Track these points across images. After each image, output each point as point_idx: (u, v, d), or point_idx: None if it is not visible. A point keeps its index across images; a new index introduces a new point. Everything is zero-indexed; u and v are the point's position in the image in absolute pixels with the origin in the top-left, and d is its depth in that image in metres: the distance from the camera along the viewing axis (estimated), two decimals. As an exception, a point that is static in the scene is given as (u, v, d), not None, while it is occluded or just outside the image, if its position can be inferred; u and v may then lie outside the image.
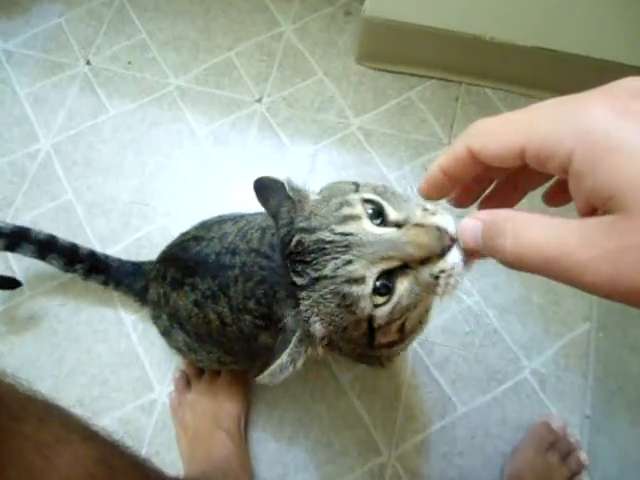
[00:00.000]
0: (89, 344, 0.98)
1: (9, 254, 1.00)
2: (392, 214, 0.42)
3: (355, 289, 0.40)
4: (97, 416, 0.93)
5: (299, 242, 0.44)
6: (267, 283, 0.59)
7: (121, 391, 0.95)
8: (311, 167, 1.10)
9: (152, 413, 0.94)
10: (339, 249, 0.41)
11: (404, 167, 1.10)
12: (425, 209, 0.42)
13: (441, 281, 0.40)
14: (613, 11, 0.91)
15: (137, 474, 0.51)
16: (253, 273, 0.61)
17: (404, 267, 0.40)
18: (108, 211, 1.07)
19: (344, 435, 0.92)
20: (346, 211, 0.42)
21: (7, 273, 0.98)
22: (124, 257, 0.95)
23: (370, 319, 0.42)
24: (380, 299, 0.41)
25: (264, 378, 0.44)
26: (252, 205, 0.57)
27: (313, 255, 0.42)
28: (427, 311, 0.55)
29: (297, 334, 0.45)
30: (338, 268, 0.40)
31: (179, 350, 0.85)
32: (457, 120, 1.13)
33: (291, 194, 0.48)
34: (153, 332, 0.93)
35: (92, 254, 0.92)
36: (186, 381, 0.94)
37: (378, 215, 0.42)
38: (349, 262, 0.40)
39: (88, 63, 1.20)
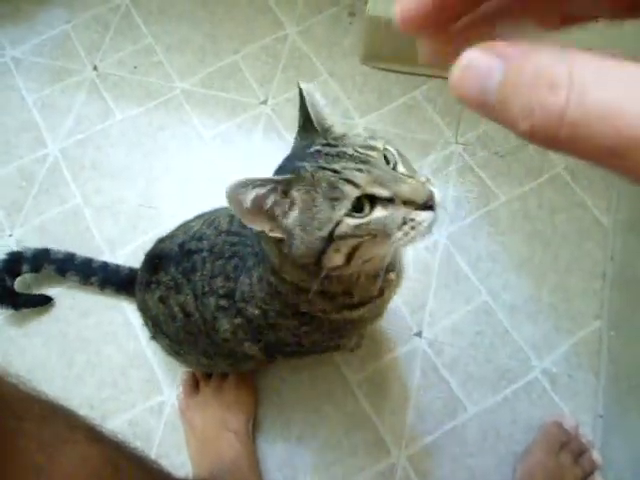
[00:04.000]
0: (98, 346, 0.99)
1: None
2: (401, 169, 0.51)
3: (349, 188, 0.47)
4: (106, 418, 0.93)
5: (318, 151, 0.51)
6: (238, 256, 0.65)
7: (130, 393, 0.96)
8: (317, 168, 1.10)
9: (161, 415, 0.94)
10: (357, 161, 0.49)
11: (410, 166, 1.10)
12: (428, 180, 0.50)
13: (405, 227, 0.48)
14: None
15: (144, 475, 0.51)
16: (223, 251, 0.67)
17: (388, 201, 0.48)
18: (116, 214, 1.08)
19: (353, 436, 0.92)
20: (371, 142, 0.51)
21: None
22: (132, 260, 0.96)
23: (337, 225, 0.48)
24: (356, 214, 0.48)
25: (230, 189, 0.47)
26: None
27: (329, 157, 0.50)
28: (377, 276, 0.57)
29: (282, 184, 0.49)
30: (346, 169, 0.48)
31: (169, 354, 0.87)
32: (463, 118, 1.12)
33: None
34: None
35: (105, 266, 0.97)
36: (194, 383, 0.94)
37: (388, 163, 0.50)
38: (359, 170, 0.48)
39: (95, 68, 1.22)
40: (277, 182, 0.49)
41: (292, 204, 0.50)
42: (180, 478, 0.63)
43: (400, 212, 0.47)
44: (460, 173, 1.09)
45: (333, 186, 0.48)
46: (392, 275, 0.61)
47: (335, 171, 0.48)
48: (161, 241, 0.79)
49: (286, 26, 1.24)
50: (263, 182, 0.48)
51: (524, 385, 0.93)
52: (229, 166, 1.12)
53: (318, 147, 0.51)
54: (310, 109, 0.54)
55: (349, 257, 0.50)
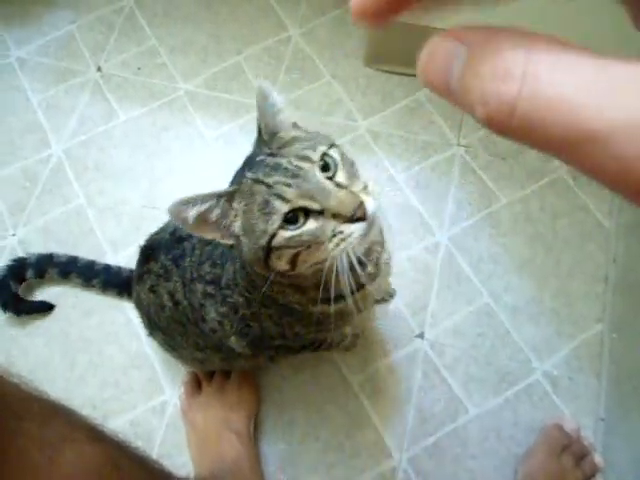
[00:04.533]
0: (100, 346, 0.99)
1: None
2: (340, 177, 0.51)
3: (278, 203, 0.48)
4: (108, 418, 0.93)
5: (262, 160, 0.52)
6: None
7: (132, 393, 0.96)
8: (319, 169, 1.10)
9: (163, 415, 0.94)
10: (288, 174, 0.49)
11: (413, 168, 1.10)
12: (365, 187, 0.51)
13: (335, 239, 0.49)
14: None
15: (145, 474, 0.51)
16: None
17: (320, 213, 0.49)
18: (119, 215, 1.08)
19: (355, 437, 0.92)
20: (307, 153, 0.51)
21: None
22: (134, 261, 0.96)
23: (272, 236, 0.49)
24: (288, 226, 0.49)
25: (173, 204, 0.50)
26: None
27: (267, 169, 0.50)
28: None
29: (225, 197, 0.52)
30: (277, 184, 0.49)
31: (165, 350, 0.88)
32: (465, 121, 1.12)
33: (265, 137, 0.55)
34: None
35: (107, 268, 0.98)
36: (196, 383, 0.94)
37: (328, 170, 0.51)
38: (288, 185, 0.48)
39: (99, 69, 1.22)
40: (218, 196, 0.52)
41: (236, 215, 0.52)
42: (181, 478, 0.64)
43: (329, 225, 0.49)
44: (462, 175, 1.09)
45: (266, 201, 0.49)
46: (370, 269, 0.60)
47: (268, 185, 0.49)
48: (155, 234, 0.81)
49: (289, 28, 1.24)
50: (203, 199, 0.51)
51: (525, 387, 0.93)
52: (232, 167, 1.12)
53: (262, 156, 0.52)
54: (259, 115, 0.55)
55: (293, 263, 0.51)
